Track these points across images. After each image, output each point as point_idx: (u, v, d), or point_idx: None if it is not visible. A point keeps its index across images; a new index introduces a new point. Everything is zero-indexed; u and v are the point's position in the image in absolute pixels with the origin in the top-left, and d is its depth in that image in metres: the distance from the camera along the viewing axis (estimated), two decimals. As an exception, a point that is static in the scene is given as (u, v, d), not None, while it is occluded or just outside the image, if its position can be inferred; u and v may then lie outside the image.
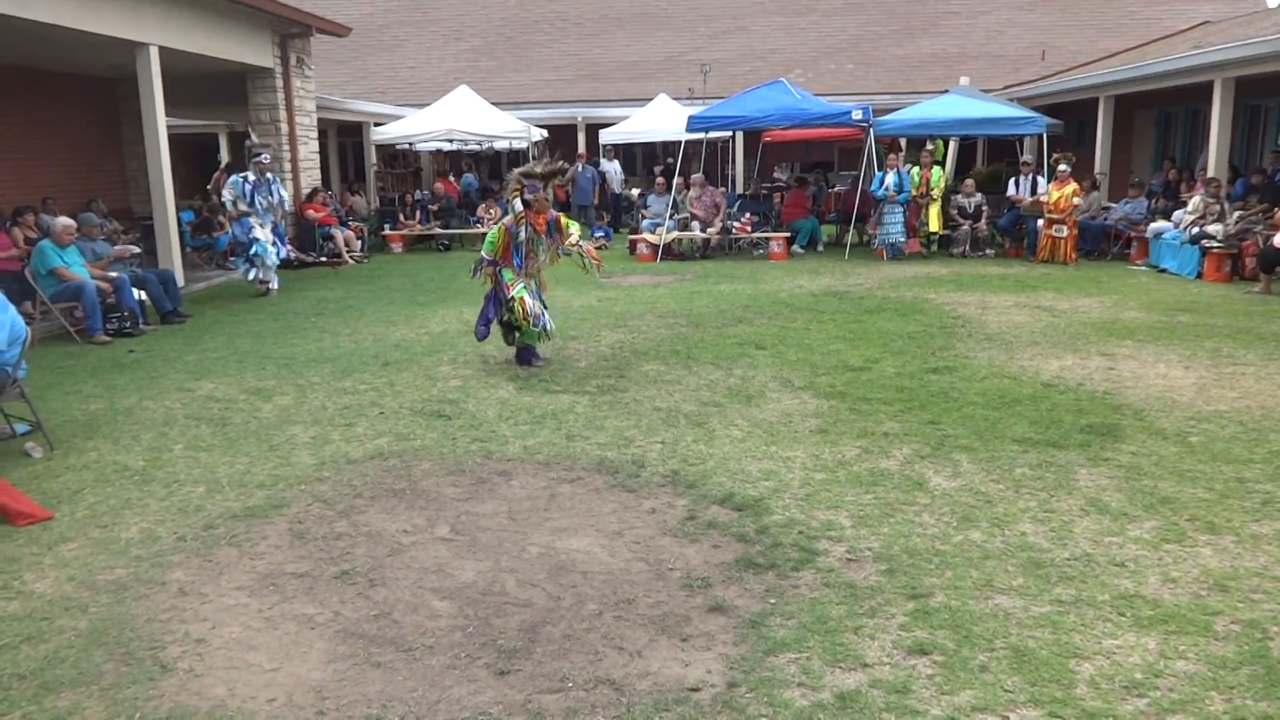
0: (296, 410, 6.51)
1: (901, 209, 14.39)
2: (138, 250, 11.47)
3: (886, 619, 3.48)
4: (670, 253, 15.11)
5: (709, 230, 15.21)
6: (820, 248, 16.07)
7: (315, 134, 16.58)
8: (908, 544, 4.13)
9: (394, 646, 3.38)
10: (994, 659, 3.19)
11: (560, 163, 7.88)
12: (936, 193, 14.51)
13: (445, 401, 6.63)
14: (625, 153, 23.61)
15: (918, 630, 3.39)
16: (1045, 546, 4.08)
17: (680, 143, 16.29)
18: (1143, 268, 13.15)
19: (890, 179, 14.26)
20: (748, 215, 15.69)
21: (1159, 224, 13.34)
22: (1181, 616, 3.45)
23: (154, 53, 11.49)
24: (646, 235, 15.26)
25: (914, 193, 14.43)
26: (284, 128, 15.28)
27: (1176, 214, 13.06)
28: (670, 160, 19.52)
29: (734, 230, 15.38)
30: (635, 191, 20.76)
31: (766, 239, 15.24)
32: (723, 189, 17.77)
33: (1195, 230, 12.18)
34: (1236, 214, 12.26)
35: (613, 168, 21.12)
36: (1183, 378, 6.91)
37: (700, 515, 4.52)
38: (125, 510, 4.76)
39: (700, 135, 16.18)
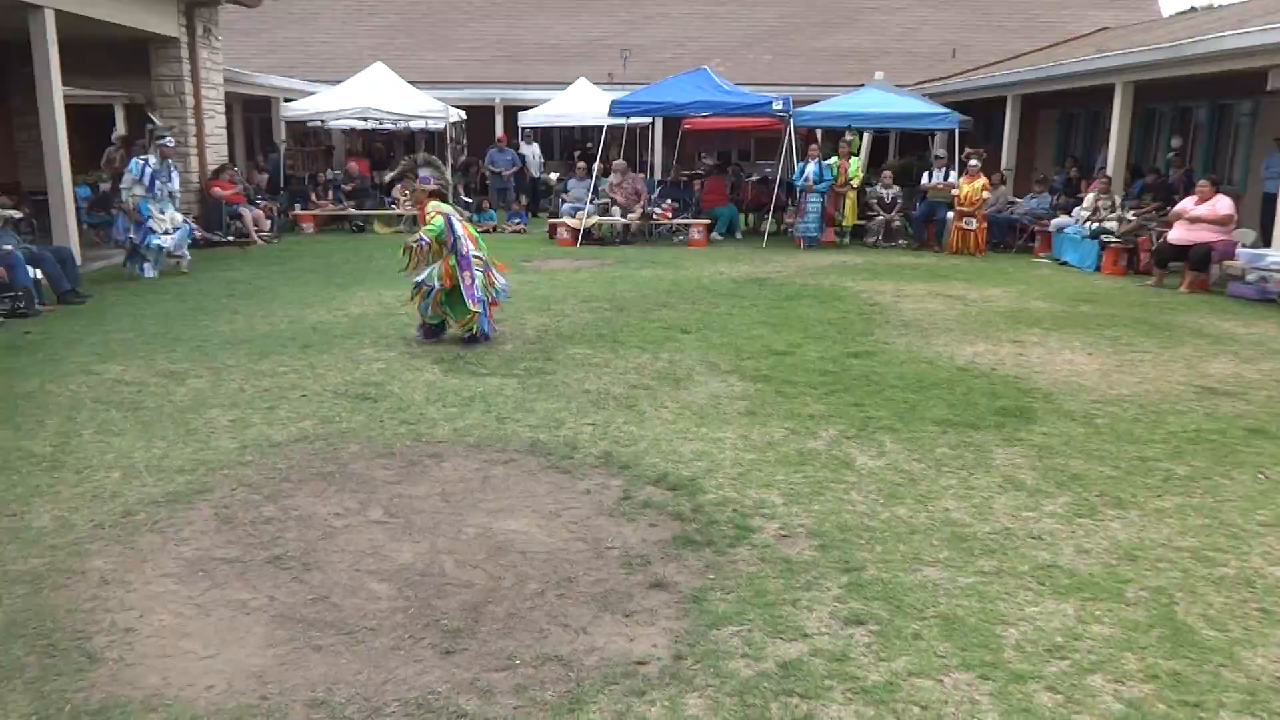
0: (213, 393, 6.32)
1: (820, 199, 14.68)
2: (18, 214, 10.82)
3: (822, 591, 3.58)
4: (590, 238, 15.10)
5: (630, 216, 15.25)
6: (739, 235, 16.29)
7: (222, 108, 16.01)
8: (838, 520, 4.26)
9: (335, 629, 3.34)
10: (926, 627, 3.32)
11: (408, 163, 7.96)
12: (855, 184, 14.85)
13: (370, 384, 6.52)
14: (544, 136, 23.44)
15: (853, 601, 3.50)
16: (967, 521, 4.26)
17: (600, 127, 16.27)
18: (1046, 260, 13.71)
19: (810, 169, 14.52)
20: (669, 202, 15.78)
21: (1061, 219, 13.92)
22: (1095, 584, 3.65)
23: (50, 16, 10.91)
24: (567, 220, 15.23)
25: (835, 184, 14.73)
26: (189, 100, 14.69)
27: (1075, 210, 13.65)
28: (590, 145, 19.48)
29: (655, 216, 15.46)
30: (554, 176, 20.66)
31: (687, 226, 15.36)
32: (642, 175, 17.83)
33: (1095, 225, 12.75)
34: (1131, 211, 12.88)
35: (532, 151, 20.97)
36: (1087, 363, 7.26)
37: (635, 495, 4.57)
38: (34, 498, 4.55)
39: (622, 120, 16.19)
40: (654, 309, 9.42)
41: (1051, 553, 3.95)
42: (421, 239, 7.63)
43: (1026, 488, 4.68)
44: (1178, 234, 11.10)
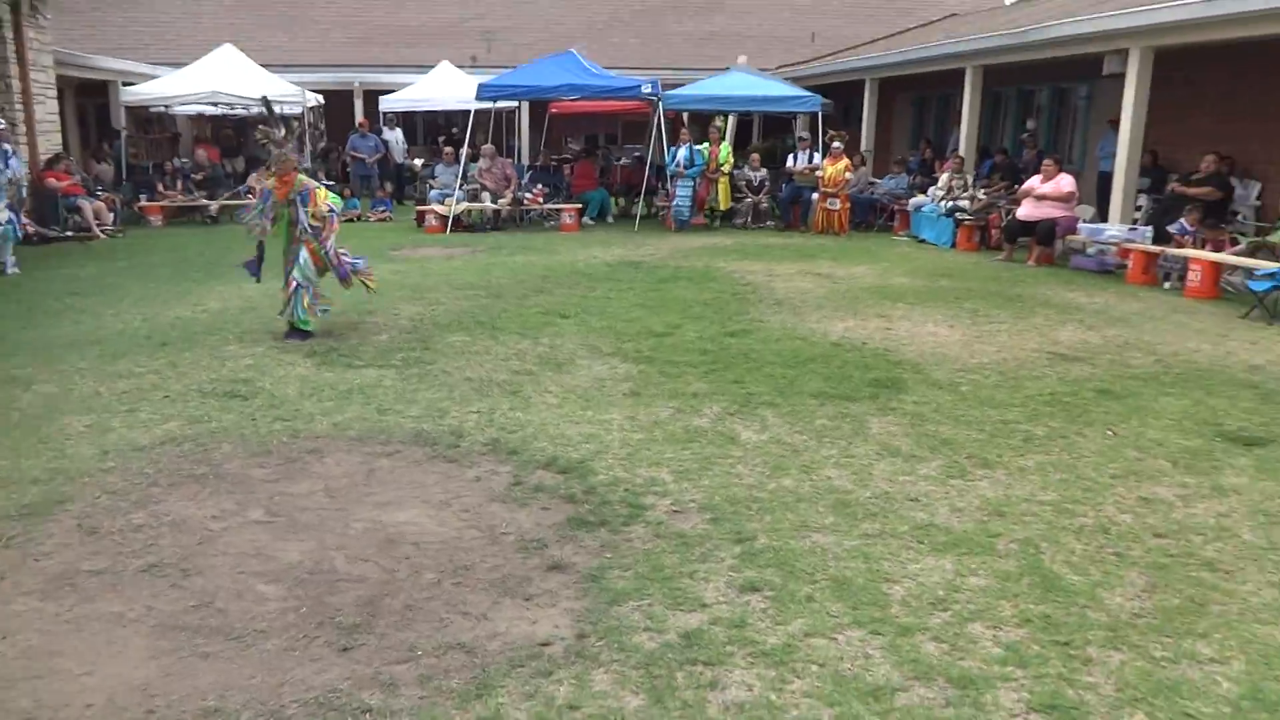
0: (64, 398, 5.93)
1: (692, 183, 14.86)
2: None
3: (717, 562, 3.67)
4: (460, 225, 14.86)
5: (500, 202, 15.08)
6: (610, 219, 16.35)
7: (54, 92, 14.96)
8: (728, 493, 4.36)
9: (222, 635, 3.20)
10: (817, 589, 3.44)
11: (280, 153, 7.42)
12: (726, 168, 15.11)
13: (238, 381, 6.25)
14: (407, 121, 22.88)
15: (747, 570, 3.60)
16: (849, 488, 4.43)
17: (465, 112, 16.01)
18: (905, 238, 14.31)
19: (682, 154, 14.68)
20: (539, 187, 15.69)
21: (918, 198, 14.55)
22: (970, 540, 3.87)
23: None
24: (435, 206, 14.94)
25: (707, 169, 14.94)
26: (15, 84, 13.67)
27: (931, 189, 14.29)
28: (455, 130, 19.14)
29: (526, 202, 15.34)
30: (419, 162, 20.21)
31: (558, 211, 15.31)
32: (511, 160, 17.65)
33: (949, 204, 13.38)
34: (982, 190, 13.58)
35: (395, 136, 20.46)
36: (949, 335, 7.63)
37: (526, 480, 4.55)
38: None
39: (489, 104, 15.97)
40: (531, 295, 9.37)
41: (928, 513, 4.15)
42: (332, 212, 7.39)
43: (902, 454, 4.90)
44: (1025, 211, 11.76)
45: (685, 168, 14.69)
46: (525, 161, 18.39)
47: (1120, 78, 11.64)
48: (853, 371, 6.46)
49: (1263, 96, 11.69)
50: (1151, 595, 3.43)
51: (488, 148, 15.69)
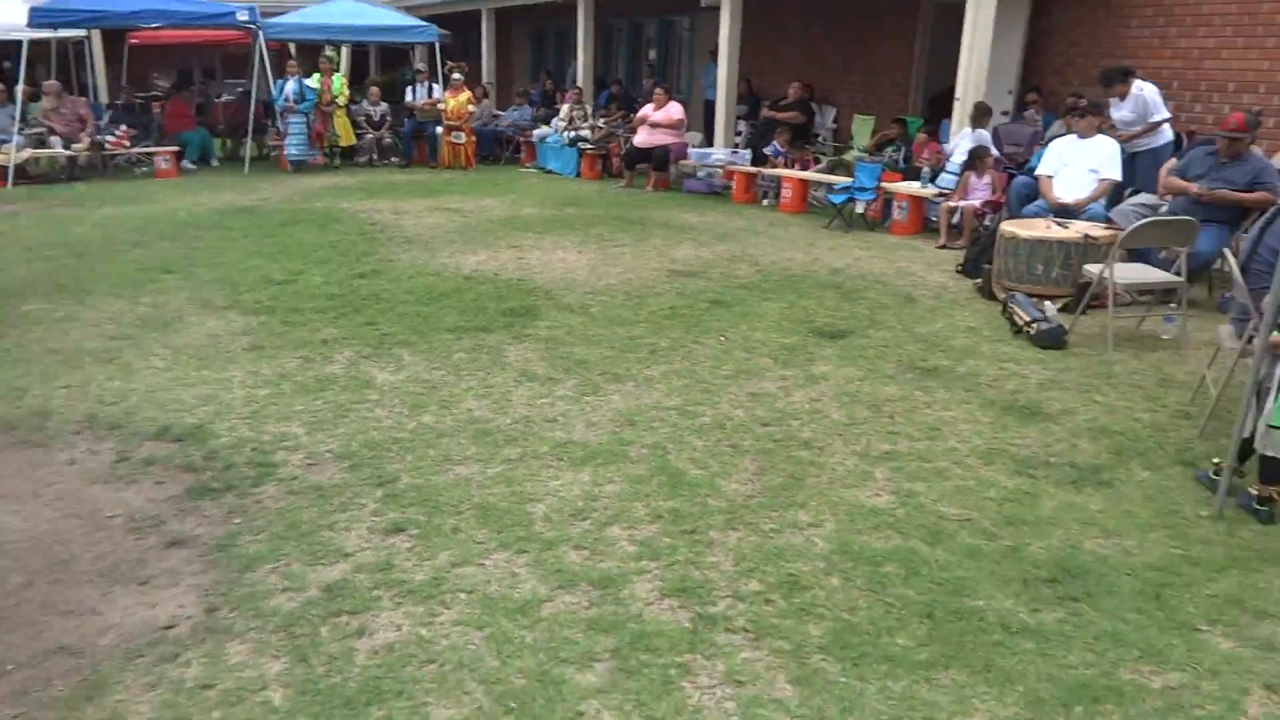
0: None
1: (304, 119, 13.92)
2: None
3: (359, 510, 3.56)
4: (26, 175, 12.78)
5: (75, 147, 13.14)
6: (215, 162, 14.94)
7: None
8: (366, 438, 4.23)
9: None
10: (463, 520, 3.47)
11: None
12: (341, 101, 14.30)
13: None
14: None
15: (390, 513, 3.53)
16: (490, 417, 4.48)
17: (18, 42, 13.66)
18: (533, 169, 14.54)
19: (290, 87, 13.65)
20: (123, 128, 13.88)
21: (542, 129, 14.79)
22: (605, 451, 4.08)
23: None
24: (-8, 156, 12.70)
25: (320, 103, 14.02)
26: None
27: (554, 120, 14.61)
28: (8, 64, 16.30)
29: (109, 145, 13.52)
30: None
31: (150, 155, 13.68)
32: (84, 99, 15.42)
33: (572, 135, 13.76)
34: (602, 120, 14.11)
35: (-73, 74, 17.00)
36: (577, 260, 7.91)
37: (133, 455, 4.09)
38: None
39: (48, 33, 13.75)
40: (124, 250, 8.34)
41: (566, 431, 4.32)
42: None
43: (539, 378, 5.03)
44: (641, 139, 12.40)
45: (295, 103, 13.72)
46: (104, 100, 16.17)
47: (717, 10, 12.53)
48: (487, 303, 6.50)
49: (836, 30, 13.23)
50: (760, 478, 3.85)
51: (51, 84, 13.54)
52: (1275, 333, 3.36)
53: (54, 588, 3.08)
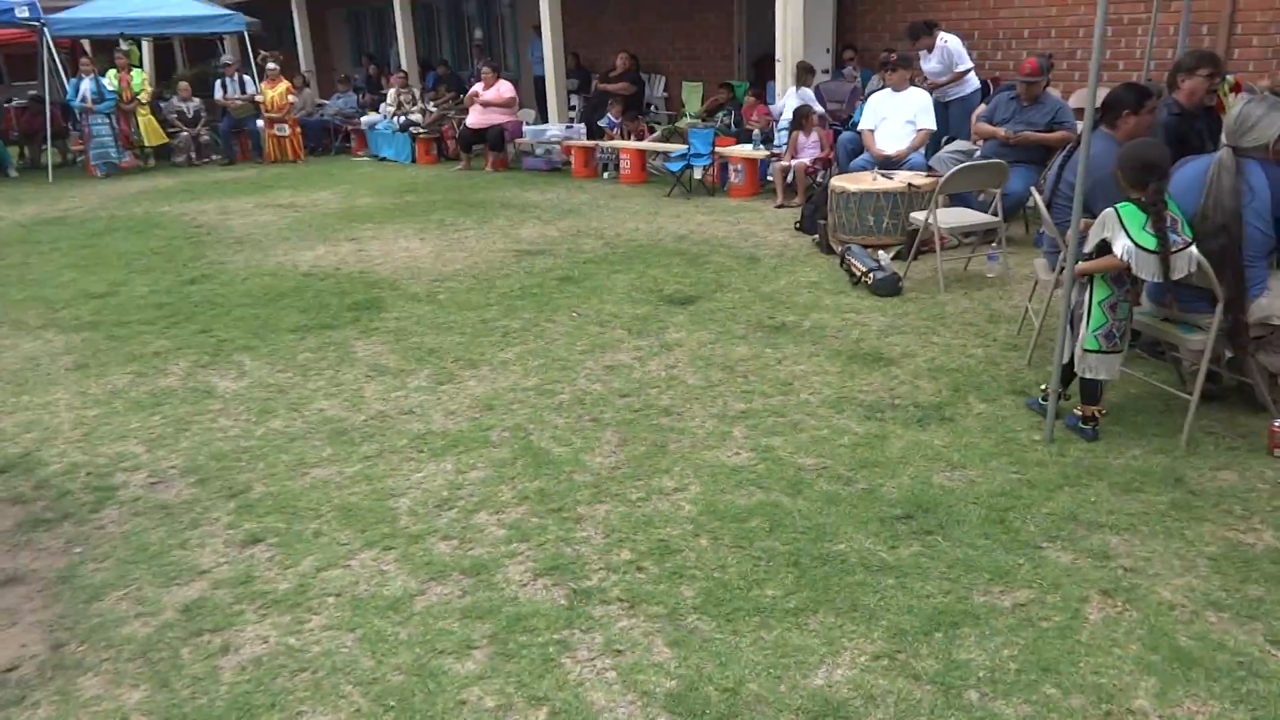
0: None
1: (107, 119, 13.00)
2: None
3: (211, 524, 3.40)
4: None
5: None
6: (13, 172, 13.79)
7: None
8: (213, 450, 4.03)
9: None
10: (324, 523, 3.36)
11: None
12: (144, 98, 13.41)
13: None
14: None
15: (246, 524, 3.39)
16: (343, 415, 4.35)
17: None
18: (365, 158, 14.09)
19: (86, 86, 12.71)
20: (-97, 141, 12.63)
21: (371, 116, 14.34)
22: (466, 438, 4.04)
23: None
24: None
25: (120, 102, 13.11)
26: None
27: (382, 106, 14.18)
28: None
29: (-113, 161, 12.29)
30: None
31: (-61, 168, 12.51)
32: None
33: (402, 119, 13.39)
34: (432, 103, 13.79)
35: None
36: (421, 248, 7.74)
37: (-48, 491, 3.78)
38: None
39: None
40: (-82, 273, 7.63)
41: (424, 422, 4.24)
42: None
43: (391, 370, 4.91)
44: (473, 119, 12.19)
45: (94, 103, 12.78)
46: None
47: (535, -14, 12.41)
48: (330, 299, 6.29)
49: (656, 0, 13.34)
50: (623, 448, 3.89)
51: None
52: (1080, 262, 3.63)
53: None
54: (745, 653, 2.56)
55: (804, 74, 9.45)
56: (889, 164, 7.56)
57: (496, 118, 12.02)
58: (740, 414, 4.18)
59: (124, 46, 13.83)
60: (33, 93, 15.67)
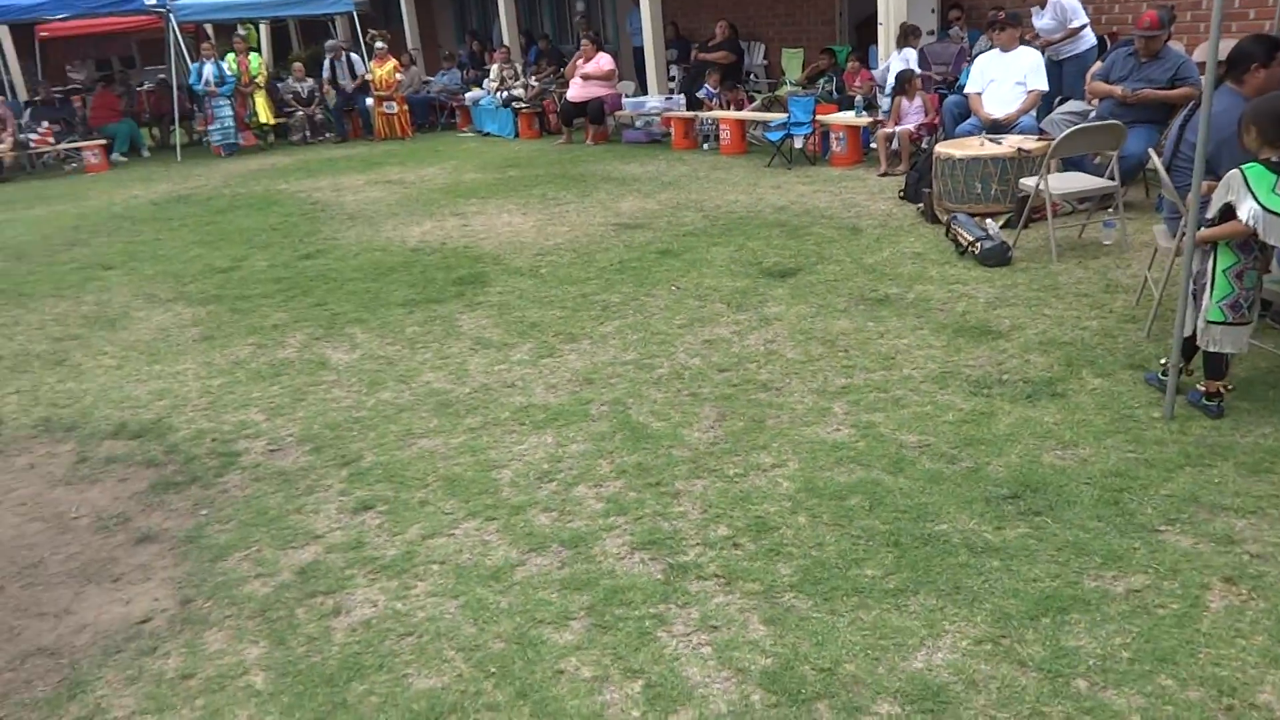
0: None
1: (229, 101, 13.57)
2: None
3: (325, 491, 3.55)
4: (-49, 181, 12.40)
5: (-1, 148, 12.75)
6: (145, 153, 14.56)
7: None
8: (326, 420, 4.20)
9: None
10: (430, 493, 3.48)
11: None
12: (261, 80, 13.93)
13: None
14: None
15: (358, 491, 3.53)
16: (449, 388, 4.47)
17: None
18: (470, 134, 14.33)
19: (209, 70, 13.28)
20: (46, 125, 13.45)
21: (474, 92, 14.56)
22: (566, 411, 4.10)
23: None
24: (-90, 164, 12.29)
25: (239, 84, 13.66)
26: None
27: (485, 82, 14.37)
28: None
29: (33, 144, 13.11)
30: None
31: (78, 150, 13.29)
32: (1, 97, 14.90)
33: (505, 95, 13.56)
34: (533, 78, 13.91)
35: None
36: (523, 222, 7.85)
37: (93, 455, 4.05)
38: None
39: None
40: (62, 249, 8.14)
41: (525, 395, 4.32)
42: None
43: (494, 344, 5.02)
44: (574, 93, 12.25)
45: (216, 85, 13.35)
46: (22, 97, 15.62)
47: (636, -44, 12.35)
48: (436, 274, 6.45)
49: (755, -33, 13.10)
50: (721, 424, 3.89)
51: (-37, 84, 13.08)
52: (1202, 227, 3.44)
53: (26, 591, 3.06)
54: (842, 633, 2.54)
55: (908, 35, 9.16)
56: (998, 128, 7.28)
57: (596, 91, 12.04)
58: (841, 389, 4.12)
59: (241, 31, 14.38)
60: (161, 76, 16.48)
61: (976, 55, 8.37)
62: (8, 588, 3.08)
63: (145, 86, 16.59)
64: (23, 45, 17.37)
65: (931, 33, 10.52)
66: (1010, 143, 6.74)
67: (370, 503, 3.44)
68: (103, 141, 13.50)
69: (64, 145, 13.33)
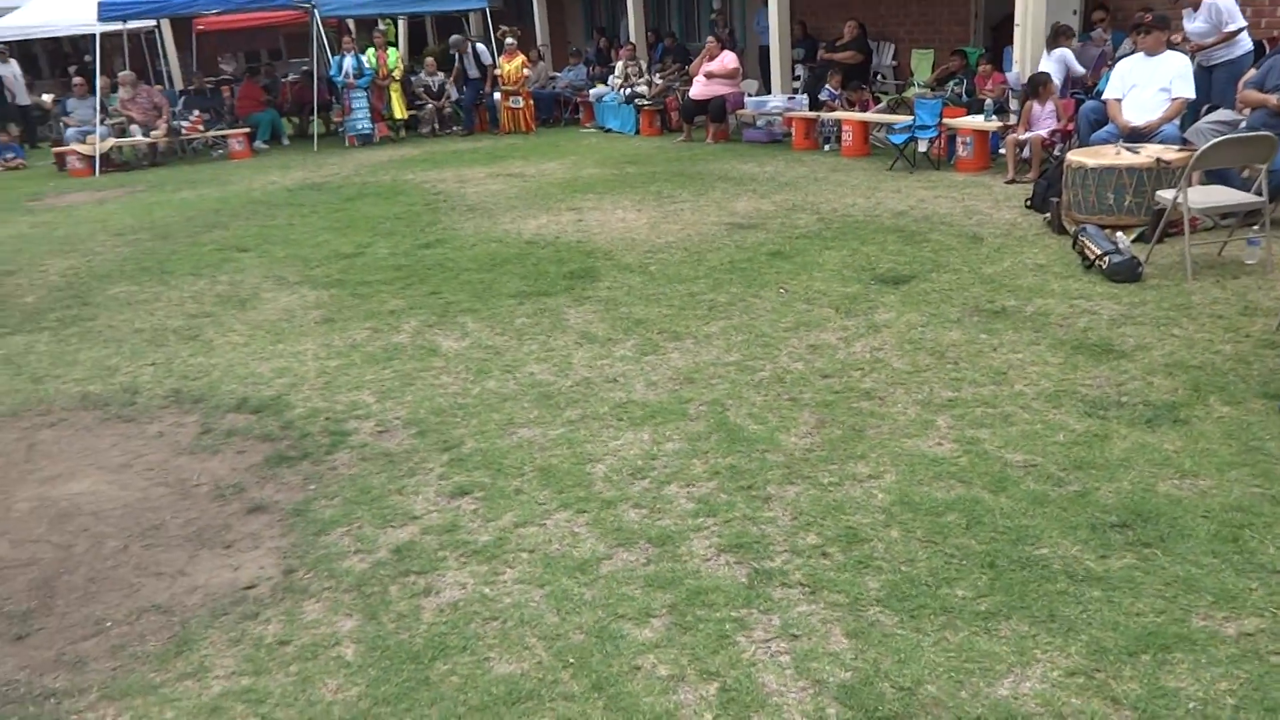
0: None
1: (365, 94, 14.12)
2: None
3: (426, 474, 3.67)
4: (111, 164, 13.30)
5: (154, 134, 13.60)
6: (285, 141, 15.28)
7: None
8: (433, 405, 4.34)
9: None
10: (526, 482, 3.54)
11: None
12: (397, 74, 14.44)
13: None
14: (24, 52, 19.84)
15: (456, 476, 3.63)
16: (551, 380, 4.55)
17: (94, 36, 14.12)
18: (592, 129, 14.51)
19: (348, 63, 13.85)
20: (197, 113, 14.29)
21: (599, 88, 14.73)
22: (665, 409, 4.11)
23: None
24: (77, 146, 13.22)
25: (377, 77, 14.20)
26: None
27: (610, 78, 14.52)
28: (87, 58, 16.87)
29: (184, 131, 13.94)
30: (48, 97, 17.70)
31: (224, 137, 14.07)
32: (160, 86, 15.90)
33: (628, 91, 13.67)
34: (658, 75, 13.98)
35: (10, 70, 17.67)
36: (637, 219, 7.91)
37: (216, 426, 4.28)
38: None
39: (119, 25, 14.17)
40: (203, 231, 8.64)
41: (625, 391, 4.36)
42: None
43: (599, 339, 5.07)
44: (696, 91, 12.26)
45: (355, 78, 13.91)
46: (177, 87, 16.63)
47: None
48: (548, 267, 6.56)
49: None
50: (820, 430, 3.83)
51: (126, 75, 13.99)
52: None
53: (146, 551, 3.26)
54: (927, 652, 2.47)
55: (1059, 36, 8.80)
56: (1136, 136, 6.92)
57: (719, 89, 12.01)
58: (947, 402, 4.01)
59: (381, 26, 14.94)
60: (304, 68, 17.26)
61: (1118, 59, 7.98)
62: (131, 546, 3.30)
63: (289, 78, 17.42)
64: (181, 38, 18.49)
65: (1073, 35, 10.09)
66: (1149, 152, 6.40)
67: (467, 488, 3.53)
68: (246, 130, 14.24)
69: (212, 133, 14.12)
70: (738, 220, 7.61)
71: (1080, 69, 8.73)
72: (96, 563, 3.20)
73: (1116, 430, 3.65)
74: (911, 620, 2.60)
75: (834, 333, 4.94)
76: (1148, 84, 7.12)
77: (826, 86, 11.31)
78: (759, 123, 11.98)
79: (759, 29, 14.31)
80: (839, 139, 10.70)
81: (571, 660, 2.53)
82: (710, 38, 12.34)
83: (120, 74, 14.04)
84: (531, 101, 14.60)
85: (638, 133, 13.44)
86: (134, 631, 2.80)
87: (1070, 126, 8.11)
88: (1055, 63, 8.73)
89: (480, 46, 14.91)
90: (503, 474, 3.62)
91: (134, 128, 13.53)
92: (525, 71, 14.32)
